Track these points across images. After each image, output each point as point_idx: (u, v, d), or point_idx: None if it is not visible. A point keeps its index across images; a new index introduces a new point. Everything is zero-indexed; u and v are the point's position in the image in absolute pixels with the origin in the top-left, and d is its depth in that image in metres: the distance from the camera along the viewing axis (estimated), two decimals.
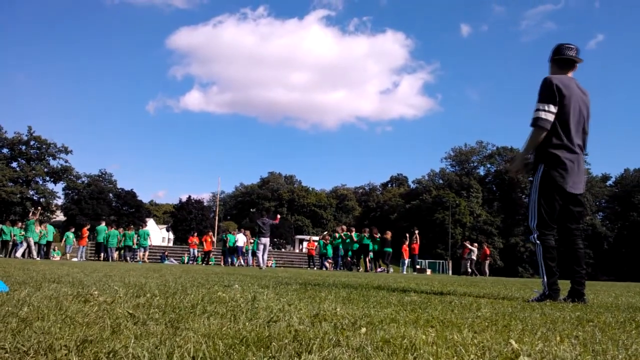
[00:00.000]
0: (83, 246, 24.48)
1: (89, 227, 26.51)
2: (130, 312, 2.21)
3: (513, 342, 1.73)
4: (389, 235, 22.82)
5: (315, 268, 26.86)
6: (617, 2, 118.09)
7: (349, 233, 23.98)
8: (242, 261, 25.16)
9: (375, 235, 22.74)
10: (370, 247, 22.44)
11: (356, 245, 23.03)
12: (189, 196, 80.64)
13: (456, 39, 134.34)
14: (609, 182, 72.88)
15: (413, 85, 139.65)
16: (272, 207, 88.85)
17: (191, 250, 28.48)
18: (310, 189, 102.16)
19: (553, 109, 4.22)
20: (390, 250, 22.67)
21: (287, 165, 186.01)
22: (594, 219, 66.64)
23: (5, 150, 66.51)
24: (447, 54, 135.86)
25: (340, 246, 24.42)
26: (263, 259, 17.18)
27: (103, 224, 24.88)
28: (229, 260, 25.82)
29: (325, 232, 33.22)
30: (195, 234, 29.64)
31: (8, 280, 4.30)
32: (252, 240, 25.58)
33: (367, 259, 22.75)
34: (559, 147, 4.28)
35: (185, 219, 76.22)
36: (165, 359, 1.33)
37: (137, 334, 1.68)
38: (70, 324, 1.88)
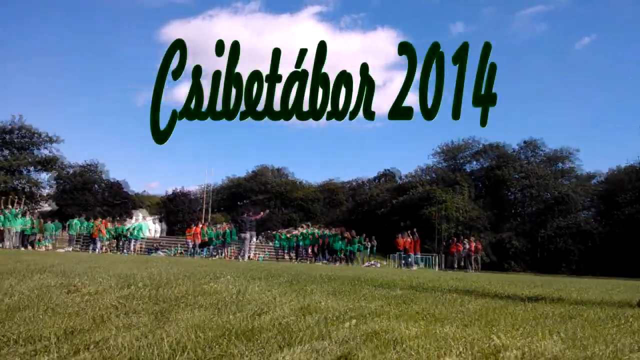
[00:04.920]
0: (96, 238, 24.27)
1: (110, 220, 26.35)
2: (114, 303, 2.19)
3: (495, 338, 1.74)
4: (349, 234, 24.80)
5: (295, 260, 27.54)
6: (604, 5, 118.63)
7: (317, 230, 26.29)
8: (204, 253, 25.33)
9: (345, 234, 24.76)
10: (338, 246, 24.40)
11: (313, 241, 25.20)
12: (180, 187, 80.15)
13: (447, 38, 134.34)
14: (594, 181, 73.61)
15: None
16: (260, 201, 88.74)
17: (188, 242, 27.76)
18: (299, 182, 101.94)
19: None
20: (351, 247, 24.60)
21: (278, 158, 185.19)
22: (578, 217, 67.19)
23: None
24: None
25: (302, 242, 26.01)
26: (244, 252, 18.33)
27: (77, 218, 26.51)
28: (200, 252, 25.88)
29: (291, 227, 34.19)
30: (193, 225, 29.13)
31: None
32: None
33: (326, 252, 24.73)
34: None
35: (176, 210, 75.78)
36: (148, 350, 1.32)
37: (120, 326, 1.67)
38: (53, 314, 1.86)
